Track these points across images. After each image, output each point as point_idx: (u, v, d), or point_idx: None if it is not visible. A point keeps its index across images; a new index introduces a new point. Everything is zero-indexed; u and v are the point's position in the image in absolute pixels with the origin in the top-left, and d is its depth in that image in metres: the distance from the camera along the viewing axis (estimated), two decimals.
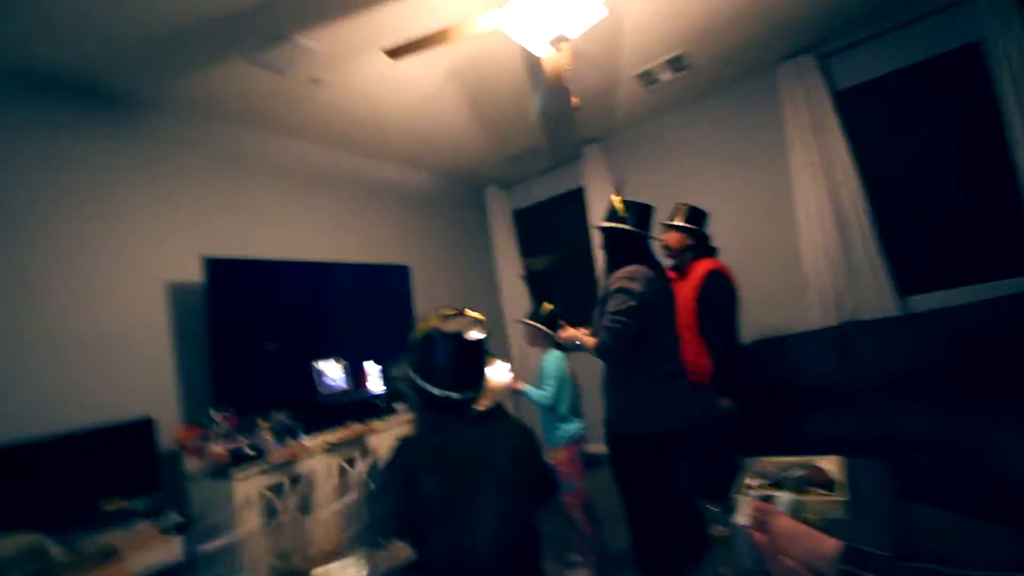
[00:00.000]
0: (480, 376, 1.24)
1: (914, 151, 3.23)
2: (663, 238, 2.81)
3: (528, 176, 4.81)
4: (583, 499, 2.40)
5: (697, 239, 2.53)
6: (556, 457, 2.46)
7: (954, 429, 2.23)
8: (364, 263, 3.34)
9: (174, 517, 1.95)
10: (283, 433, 2.43)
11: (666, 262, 2.99)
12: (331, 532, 2.33)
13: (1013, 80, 2.80)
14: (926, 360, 2.77)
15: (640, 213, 1.98)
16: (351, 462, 2.54)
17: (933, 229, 3.18)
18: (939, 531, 2.14)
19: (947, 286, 3.10)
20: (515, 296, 4.78)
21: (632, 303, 1.78)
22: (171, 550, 1.85)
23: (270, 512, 2.17)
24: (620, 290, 1.81)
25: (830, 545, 1.09)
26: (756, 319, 3.62)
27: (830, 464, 1.84)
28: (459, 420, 1.20)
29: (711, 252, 2.70)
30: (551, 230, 4.86)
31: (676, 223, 2.54)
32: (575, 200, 4.54)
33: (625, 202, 1.98)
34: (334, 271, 3.10)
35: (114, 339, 2.30)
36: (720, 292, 2.44)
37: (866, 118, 3.34)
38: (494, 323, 4.76)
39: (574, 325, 2.24)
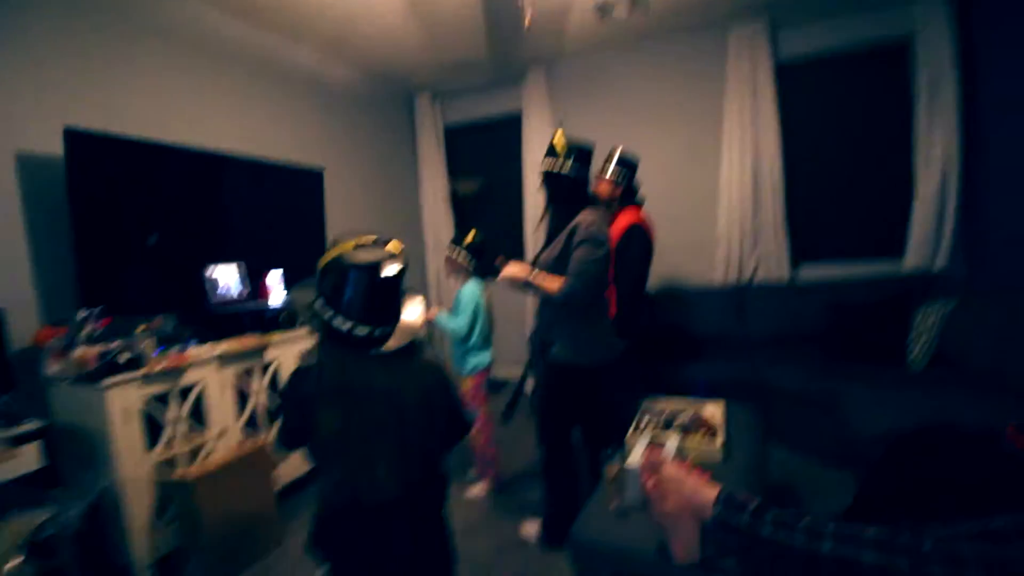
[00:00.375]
0: (393, 313, 1.15)
1: (832, 132, 3.44)
2: (594, 188, 2.78)
3: (464, 90, 4.48)
4: (484, 425, 2.47)
5: (626, 190, 2.53)
6: (463, 385, 2.49)
7: (815, 385, 2.56)
8: (271, 160, 2.97)
9: (32, 423, 1.72)
10: (167, 341, 2.20)
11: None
12: (229, 444, 2.21)
13: (929, 83, 3.01)
14: (804, 325, 3.12)
15: (581, 155, 1.92)
16: (248, 375, 2.39)
17: (832, 206, 3.47)
18: (792, 471, 2.50)
19: (833, 258, 3.44)
20: (438, 218, 4.60)
21: (601, 253, 1.82)
22: (26, 458, 1.64)
23: (154, 425, 2.00)
24: (594, 239, 1.82)
25: (710, 490, 1.20)
26: (667, 267, 3.83)
27: (715, 409, 2.03)
28: (365, 357, 1.11)
29: (636, 203, 2.73)
30: (483, 154, 4.64)
31: (609, 175, 2.50)
32: (511, 126, 4.33)
33: (567, 143, 1.91)
34: (234, 165, 2.73)
35: None
36: (638, 247, 2.49)
37: (799, 93, 3.47)
38: (414, 245, 4.57)
39: (501, 256, 2.20)
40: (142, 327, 2.10)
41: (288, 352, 2.55)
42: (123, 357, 1.94)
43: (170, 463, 2.02)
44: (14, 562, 1.53)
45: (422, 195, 4.61)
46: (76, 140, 2.02)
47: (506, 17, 3.13)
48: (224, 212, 2.69)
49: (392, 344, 1.15)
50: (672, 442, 1.64)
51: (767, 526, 0.79)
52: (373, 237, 1.17)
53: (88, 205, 2.08)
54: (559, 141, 1.91)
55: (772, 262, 3.46)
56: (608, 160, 2.54)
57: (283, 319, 2.71)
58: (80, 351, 1.92)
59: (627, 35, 3.64)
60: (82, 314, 2.04)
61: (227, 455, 2.08)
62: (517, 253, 4.08)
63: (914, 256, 3.13)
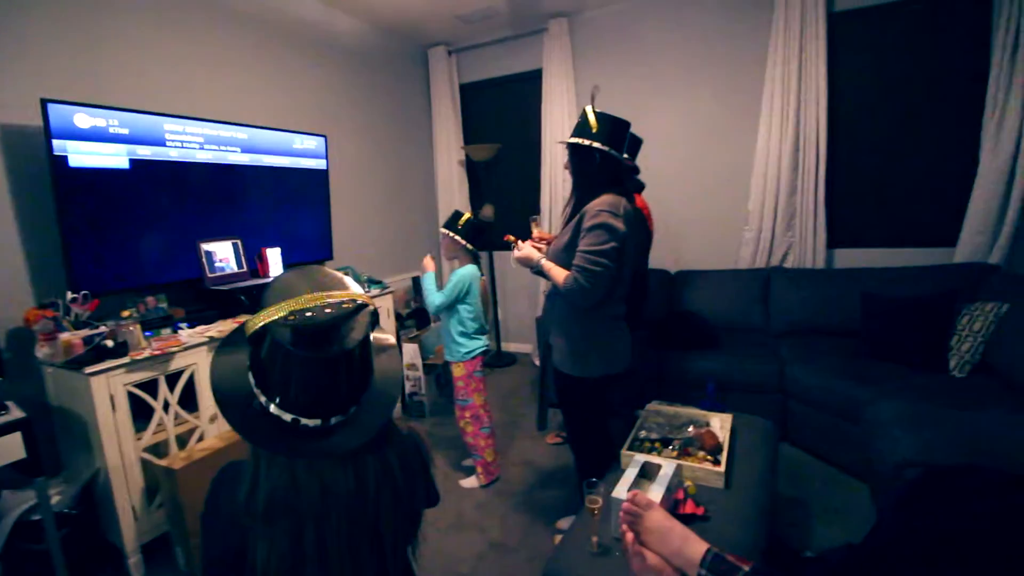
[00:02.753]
0: (354, 390, 0.77)
1: (887, 96, 3.04)
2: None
3: (481, 44, 4.16)
4: (475, 413, 2.40)
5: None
6: (455, 371, 2.40)
7: (841, 388, 2.36)
8: (270, 127, 2.82)
9: (14, 412, 1.71)
10: (157, 323, 2.16)
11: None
12: (222, 429, 2.20)
13: (1009, 40, 2.58)
14: (836, 317, 2.87)
15: (615, 130, 1.66)
16: None
17: (879, 183, 3.12)
18: (806, 478, 2.35)
19: (874, 244, 3.13)
20: (452, 183, 4.40)
21: (615, 244, 1.59)
22: (8, 449, 1.64)
23: (142, 410, 1.98)
24: (603, 226, 1.59)
25: (697, 548, 1.06)
26: (687, 247, 3.58)
27: (721, 423, 1.88)
28: (312, 453, 0.74)
29: (638, 187, 2.49)
30: (500, 113, 4.36)
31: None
32: (531, 83, 4.03)
33: (598, 115, 1.65)
34: (229, 133, 2.59)
35: None
36: (644, 236, 2.32)
37: (852, 49, 3.06)
38: (426, 213, 4.41)
39: (516, 233, 2.03)
40: (128, 311, 2.06)
41: None
42: (109, 342, 1.90)
43: (160, 448, 2.02)
44: None
45: (435, 158, 4.40)
46: (54, 111, 1.92)
47: None
48: (220, 184, 2.58)
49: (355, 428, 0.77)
50: (667, 467, 1.51)
51: None
52: (316, 280, 0.77)
53: (70, 180, 1.99)
54: (589, 113, 1.67)
55: (807, 245, 3.17)
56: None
57: None
58: (67, 336, 1.89)
59: None
60: (69, 296, 2.00)
61: (218, 441, 2.07)
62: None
63: (967, 247, 2.80)
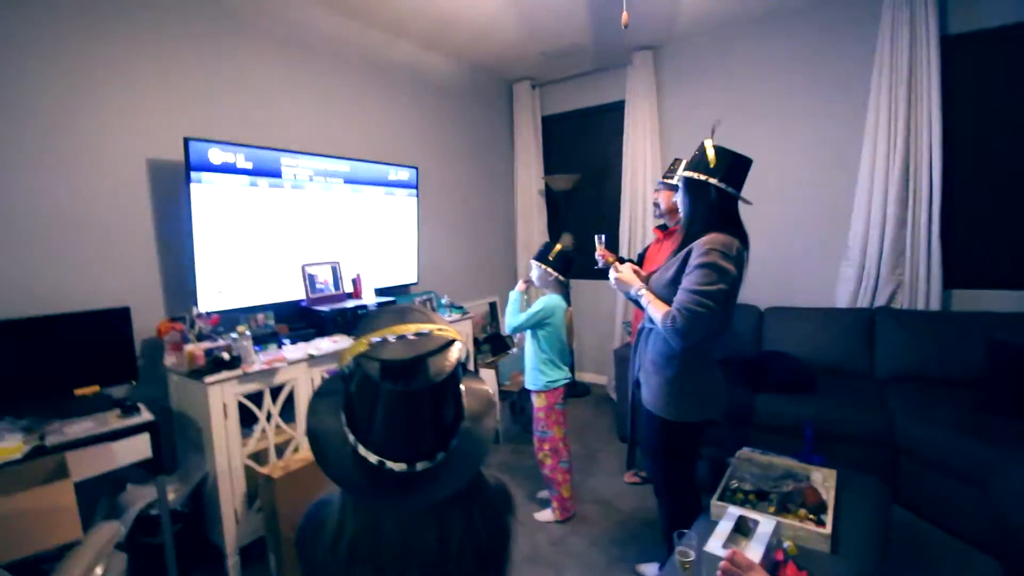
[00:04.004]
0: (442, 437, 0.73)
1: (1009, 124, 2.75)
2: (661, 198, 2.52)
3: (564, 78, 4.26)
4: (555, 446, 2.37)
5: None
6: (536, 401, 2.40)
7: (963, 449, 2.10)
8: (368, 160, 3.03)
9: (144, 414, 1.92)
10: (265, 338, 2.35)
11: (656, 220, 2.67)
12: None
13: None
14: (955, 366, 2.58)
15: (733, 166, 1.60)
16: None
17: (1001, 219, 2.80)
18: (919, 545, 2.10)
19: (998, 286, 2.79)
20: (531, 212, 4.48)
21: (724, 287, 1.51)
22: (136, 447, 1.83)
23: (249, 419, 2.15)
24: (712, 266, 1.52)
25: None
26: (781, 283, 3.39)
27: (824, 478, 1.74)
28: (404, 505, 0.71)
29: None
30: (581, 144, 4.41)
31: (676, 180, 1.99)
32: (613, 113, 4.05)
33: (718, 149, 1.60)
34: (334, 166, 2.82)
35: (94, 222, 2.13)
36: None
37: (969, 73, 2.81)
38: (505, 241, 4.52)
39: (612, 255, 2.02)
40: (243, 327, 2.26)
41: None
42: (226, 355, 2.10)
43: (260, 456, 2.18)
44: (117, 533, 1.72)
45: (516, 187, 4.51)
46: (193, 148, 2.19)
47: (610, 3, 2.87)
48: (323, 211, 2.79)
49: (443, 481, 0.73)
50: (766, 524, 1.41)
51: None
52: (413, 326, 0.74)
53: (203, 209, 2.25)
54: (709, 146, 1.62)
55: (919, 284, 2.89)
56: (677, 162, 2.22)
57: None
58: (191, 348, 2.10)
59: (751, 9, 3.18)
60: (194, 311, 2.23)
61: (311, 453, 2.19)
62: (611, 250, 3.89)
63: None
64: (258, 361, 2.15)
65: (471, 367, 2.92)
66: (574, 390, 4.15)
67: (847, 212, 3.09)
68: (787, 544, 1.41)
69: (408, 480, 0.70)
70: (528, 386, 2.45)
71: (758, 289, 3.36)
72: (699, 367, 1.66)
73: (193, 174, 2.21)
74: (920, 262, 2.86)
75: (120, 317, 2.05)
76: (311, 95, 2.90)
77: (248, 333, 2.24)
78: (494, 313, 4.13)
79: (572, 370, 4.24)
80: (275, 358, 2.20)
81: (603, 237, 2.12)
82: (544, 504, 2.52)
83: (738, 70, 3.48)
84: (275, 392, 2.23)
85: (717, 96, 3.59)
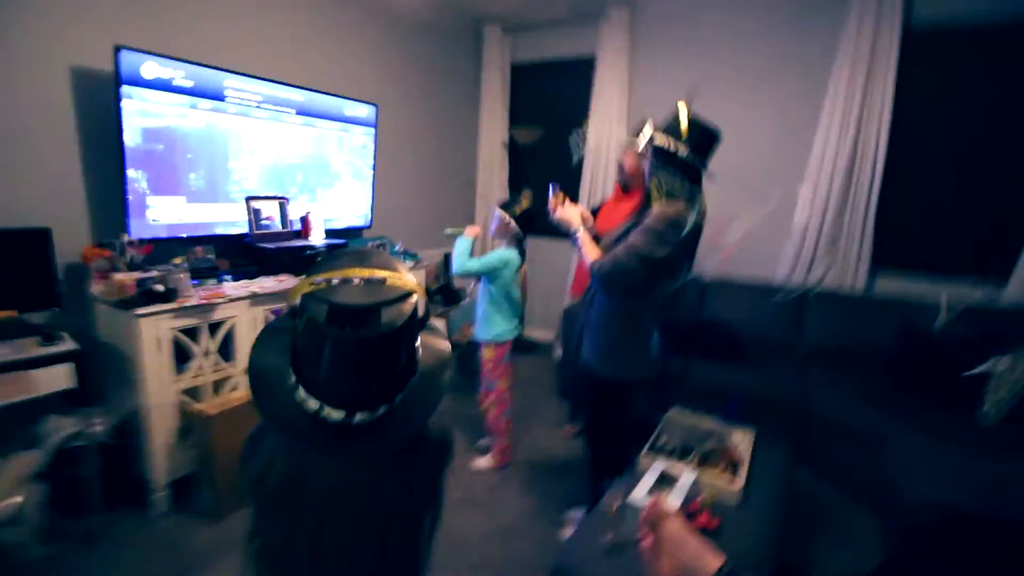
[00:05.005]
0: (388, 390, 0.70)
1: (954, 121, 2.90)
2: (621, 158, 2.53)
3: (538, 24, 4.09)
4: (500, 397, 2.44)
5: None
6: (485, 353, 2.43)
7: (866, 418, 2.32)
8: (324, 91, 2.84)
9: (68, 343, 1.81)
10: (204, 273, 2.24)
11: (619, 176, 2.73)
12: None
13: None
14: (871, 345, 2.80)
15: (703, 139, 1.60)
16: (279, 315, 2.42)
17: (932, 209, 3.00)
18: (818, 507, 2.34)
19: (919, 272, 3.02)
20: (493, 163, 4.39)
21: (658, 255, 1.57)
22: (58, 377, 1.74)
23: (185, 354, 2.08)
24: (658, 232, 1.57)
25: (711, 561, 1.09)
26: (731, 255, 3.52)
27: (743, 438, 1.88)
28: (329, 449, 0.70)
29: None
30: (548, 97, 4.30)
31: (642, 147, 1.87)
32: (583, 69, 3.96)
33: (691, 119, 1.59)
34: (286, 94, 2.63)
35: (9, 134, 1.91)
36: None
37: (925, 68, 2.91)
38: (464, 191, 4.42)
39: (561, 193, 2.00)
40: (179, 259, 2.14)
41: None
42: (160, 287, 1.99)
43: (195, 392, 2.12)
44: (35, 463, 1.66)
45: (480, 136, 4.39)
46: (125, 58, 1.98)
47: None
48: (271, 145, 2.63)
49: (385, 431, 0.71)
50: (686, 477, 1.52)
51: None
52: (370, 271, 0.70)
53: (134, 127, 2.06)
54: (682, 112, 1.60)
55: (849, 266, 3.09)
56: (644, 123, 2.23)
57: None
58: (121, 276, 1.98)
59: None
60: (124, 238, 2.09)
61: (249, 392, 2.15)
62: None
63: (1019, 287, 2.70)
64: (195, 295, 2.06)
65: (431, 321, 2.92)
66: (522, 345, 4.23)
67: (795, 194, 3.21)
68: (704, 496, 1.54)
69: (345, 430, 0.68)
70: (478, 337, 2.47)
71: (706, 260, 3.48)
72: (636, 330, 1.74)
73: (124, 88, 2.01)
74: (853, 246, 3.05)
75: (39, 239, 1.90)
76: (267, 16, 2.66)
77: (185, 265, 2.13)
78: (448, 263, 4.09)
79: (523, 323, 4.33)
80: (214, 293, 2.11)
81: (558, 186, 2.12)
82: (483, 452, 2.61)
83: (709, 39, 3.46)
84: (214, 329, 2.15)
85: (688, 62, 3.57)
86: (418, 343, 0.76)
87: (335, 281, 0.68)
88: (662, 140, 1.60)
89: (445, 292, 3.83)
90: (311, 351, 0.67)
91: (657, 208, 1.61)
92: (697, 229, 1.66)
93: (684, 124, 1.58)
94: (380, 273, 0.70)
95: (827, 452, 2.50)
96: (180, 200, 2.28)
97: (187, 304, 2.01)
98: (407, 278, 0.73)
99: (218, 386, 2.21)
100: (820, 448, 2.54)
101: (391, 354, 0.69)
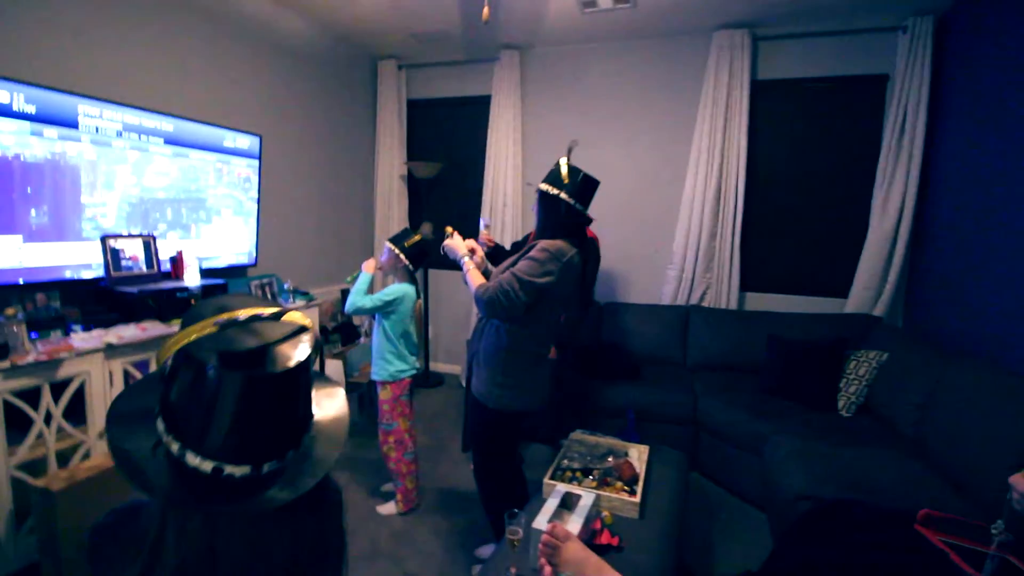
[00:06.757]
0: (293, 433, 0.66)
1: (797, 159, 3.40)
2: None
3: (433, 63, 4.19)
4: (399, 438, 2.34)
5: None
6: (382, 394, 2.34)
7: (745, 423, 2.55)
8: (199, 120, 2.65)
9: None
10: (46, 324, 1.94)
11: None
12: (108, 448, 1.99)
13: (897, 122, 3.00)
14: (745, 355, 3.10)
15: (583, 186, 1.77)
16: (146, 368, 2.15)
17: (785, 235, 3.45)
18: (712, 505, 2.49)
19: (778, 290, 3.44)
20: (391, 198, 4.34)
21: (538, 282, 1.65)
22: None
23: (20, 422, 1.76)
24: (539, 261, 1.67)
25: None
26: (617, 281, 3.76)
27: (639, 454, 1.97)
28: (236, 508, 0.61)
29: (588, 220, 2.63)
30: (445, 133, 4.38)
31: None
32: (479, 106, 4.09)
33: (570, 168, 1.76)
34: (153, 123, 2.41)
35: None
36: (593, 262, 2.51)
37: (771, 112, 3.41)
38: (362, 226, 4.31)
39: (450, 228, 2.05)
40: (13, 309, 1.83)
41: None
42: None
43: (35, 466, 1.79)
44: None
45: (377, 170, 4.33)
46: None
47: None
48: (135, 177, 2.38)
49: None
50: (587, 498, 1.55)
51: None
52: (253, 309, 0.65)
53: None
54: (563, 164, 1.77)
55: (723, 286, 3.43)
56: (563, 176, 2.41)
57: (196, 303, 2.46)
58: None
59: (608, 29, 3.45)
60: None
61: (107, 459, 1.87)
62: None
63: (856, 299, 3.16)
64: (34, 350, 1.77)
65: (319, 363, 2.73)
66: (427, 380, 4.14)
67: (673, 223, 3.53)
68: (604, 514, 1.57)
69: (252, 483, 0.61)
70: (374, 377, 2.37)
71: (601, 286, 3.68)
72: (523, 362, 1.79)
73: None
74: (724, 268, 3.40)
75: None
76: (134, 39, 2.43)
77: (20, 316, 1.83)
78: (345, 300, 3.93)
79: (427, 360, 4.24)
80: (59, 347, 1.82)
81: (488, 221, 2.19)
82: (388, 497, 2.47)
83: (594, 84, 3.76)
84: (59, 389, 1.85)
85: (573, 105, 3.83)
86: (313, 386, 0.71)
87: (219, 324, 0.61)
88: (545, 187, 1.78)
89: (343, 330, 3.66)
90: (196, 408, 0.59)
91: (541, 243, 1.73)
92: (580, 263, 1.77)
93: (564, 172, 1.75)
94: (271, 309, 0.66)
95: (715, 456, 2.71)
96: (15, 240, 1.97)
97: (23, 362, 1.71)
98: (298, 314, 0.68)
99: (65, 456, 1.89)
100: (709, 453, 2.74)
101: (293, 395, 0.64)
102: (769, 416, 2.53)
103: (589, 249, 2.45)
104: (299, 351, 0.63)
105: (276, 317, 0.65)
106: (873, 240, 3.10)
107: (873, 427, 2.44)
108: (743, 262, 3.40)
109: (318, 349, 0.70)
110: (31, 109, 1.96)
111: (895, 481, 1.89)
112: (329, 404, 0.75)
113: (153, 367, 2.16)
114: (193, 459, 0.59)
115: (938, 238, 2.88)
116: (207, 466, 0.59)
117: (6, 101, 1.88)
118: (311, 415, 0.70)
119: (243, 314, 0.63)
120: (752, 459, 2.46)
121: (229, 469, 0.60)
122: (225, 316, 0.62)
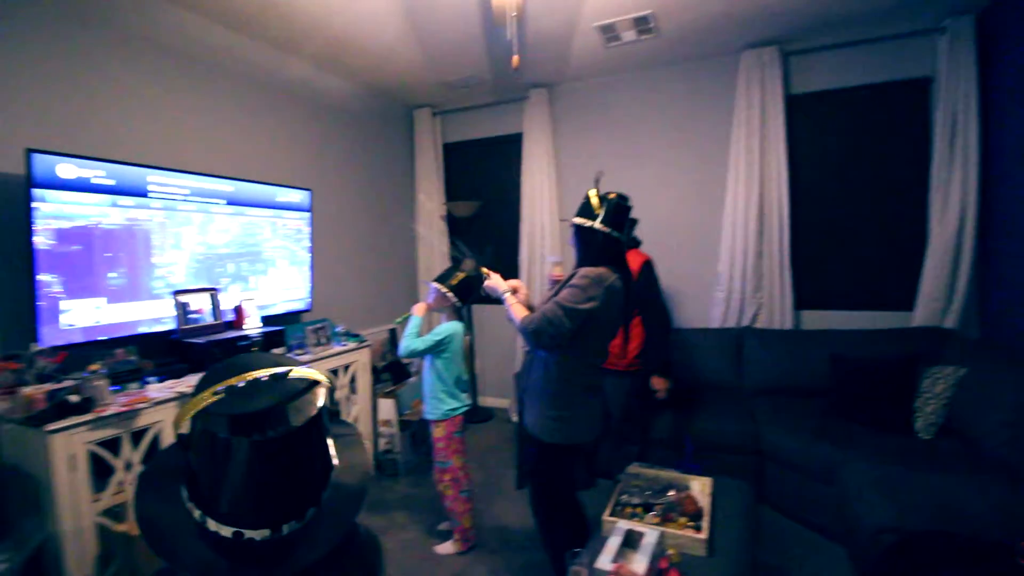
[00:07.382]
0: (311, 491, 0.65)
1: (843, 170, 3.29)
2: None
3: (465, 107, 4.36)
4: (455, 476, 2.34)
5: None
6: (435, 432, 2.36)
7: (814, 452, 2.40)
8: (254, 180, 2.85)
9: None
10: (125, 376, 2.08)
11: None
12: None
13: (948, 124, 2.87)
14: (807, 377, 2.95)
15: (615, 212, 1.79)
16: None
17: (839, 250, 3.31)
18: (786, 543, 2.34)
19: (837, 307, 3.28)
20: (432, 238, 4.47)
21: (582, 308, 1.66)
22: None
23: (103, 470, 1.88)
24: (581, 287, 1.69)
25: None
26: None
27: (701, 487, 1.89)
28: (270, 572, 0.61)
29: (635, 243, 2.65)
30: (481, 172, 4.51)
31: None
32: (512, 144, 4.21)
33: (600, 198, 1.79)
34: (214, 185, 2.61)
35: None
36: (655, 282, 2.57)
37: (810, 125, 3.33)
38: (406, 267, 4.45)
39: (486, 269, 2.15)
40: (95, 365, 1.98)
41: None
42: (74, 398, 1.82)
43: (117, 511, 1.90)
44: None
45: (417, 212, 4.49)
46: (38, 161, 1.92)
47: (507, 42, 3.01)
48: (200, 235, 2.57)
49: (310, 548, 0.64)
50: (651, 535, 1.50)
51: None
52: (263, 370, 0.66)
53: (47, 229, 1.97)
54: (592, 195, 1.81)
55: (775, 306, 3.30)
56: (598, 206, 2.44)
57: (259, 349, 2.59)
58: (29, 390, 1.80)
59: (633, 59, 3.50)
60: (34, 348, 1.93)
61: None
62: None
63: (923, 311, 2.97)
64: (115, 403, 1.90)
65: (343, 411, 2.78)
66: (476, 415, 4.14)
67: (716, 245, 3.46)
68: (670, 552, 1.51)
69: (274, 547, 0.61)
70: (427, 415, 2.40)
71: None
72: (574, 393, 1.77)
73: (37, 191, 1.93)
74: (775, 287, 3.28)
75: None
76: (192, 110, 2.68)
77: (103, 371, 1.97)
78: (394, 340, 4.02)
79: (475, 395, 4.25)
80: (136, 398, 1.95)
81: (558, 259, 2.25)
82: (445, 536, 2.46)
83: (624, 113, 3.80)
84: (138, 437, 1.97)
85: (604, 136, 3.88)
86: (329, 436, 0.71)
87: (228, 389, 0.62)
88: (579, 221, 1.81)
89: (393, 369, 3.73)
90: (214, 474, 0.60)
91: (581, 270, 1.75)
92: (622, 288, 1.77)
93: (595, 201, 1.79)
94: (276, 370, 0.66)
95: (784, 487, 2.55)
96: (99, 301, 2.15)
97: (105, 414, 1.84)
98: (307, 369, 0.69)
99: None
100: (776, 484, 2.59)
101: (308, 452, 0.65)
102: (839, 442, 2.38)
103: (643, 271, 2.47)
104: (308, 408, 0.63)
105: (284, 376, 0.66)
106: (935, 248, 2.94)
107: (956, 449, 2.26)
108: (795, 280, 3.28)
109: (336, 405, 0.69)
110: (110, 183, 2.17)
111: (987, 509, 1.73)
112: (347, 453, 0.73)
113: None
114: (214, 525, 0.60)
115: (1009, 242, 2.70)
116: (227, 531, 0.59)
117: (87, 176, 2.09)
118: (330, 467, 0.69)
119: (250, 376, 0.64)
120: (824, 489, 2.31)
121: (249, 534, 0.59)
122: (234, 380, 0.63)
